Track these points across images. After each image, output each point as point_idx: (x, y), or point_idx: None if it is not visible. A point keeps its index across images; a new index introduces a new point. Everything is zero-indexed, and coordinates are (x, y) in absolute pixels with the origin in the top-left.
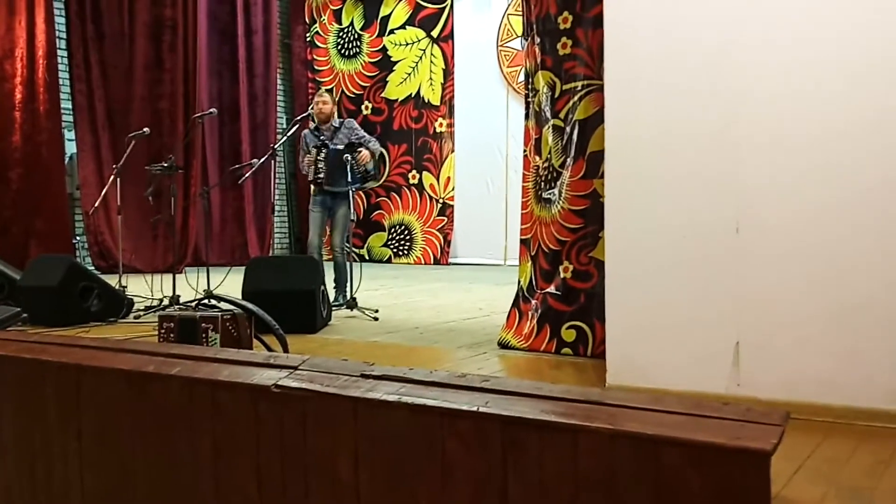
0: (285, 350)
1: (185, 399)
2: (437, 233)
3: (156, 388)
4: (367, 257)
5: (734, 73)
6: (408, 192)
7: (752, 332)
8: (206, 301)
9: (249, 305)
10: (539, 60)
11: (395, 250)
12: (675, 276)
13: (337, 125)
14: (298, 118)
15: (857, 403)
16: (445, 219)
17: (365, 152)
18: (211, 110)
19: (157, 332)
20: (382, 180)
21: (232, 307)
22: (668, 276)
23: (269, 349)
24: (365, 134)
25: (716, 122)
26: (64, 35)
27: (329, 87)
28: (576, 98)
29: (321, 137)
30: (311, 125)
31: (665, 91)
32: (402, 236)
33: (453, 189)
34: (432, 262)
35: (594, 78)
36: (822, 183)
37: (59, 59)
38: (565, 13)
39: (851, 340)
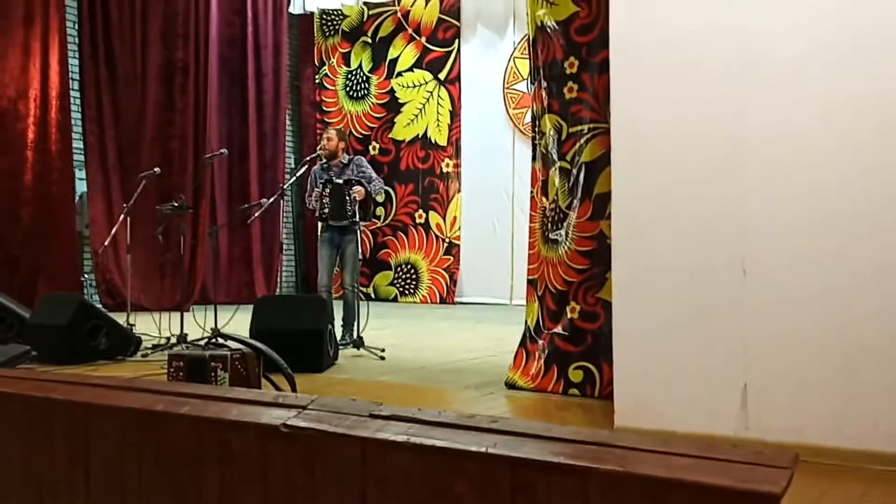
0: (294, 389)
1: (194, 438)
2: (444, 272)
3: (164, 427)
4: (373, 296)
5: (739, 117)
6: (414, 231)
7: (759, 375)
8: (215, 340)
9: (258, 344)
10: (546, 104)
11: (401, 289)
12: (682, 318)
13: (346, 162)
14: (307, 159)
15: (864, 447)
16: (451, 258)
17: (359, 188)
18: (221, 151)
19: (165, 371)
20: (389, 220)
21: (241, 346)
22: (676, 318)
23: (278, 388)
24: (372, 173)
25: (722, 165)
26: (77, 76)
27: (338, 126)
28: (582, 141)
29: (329, 173)
30: (320, 164)
31: (671, 134)
32: (408, 275)
33: (459, 229)
34: (438, 301)
35: (600, 121)
36: (827, 226)
37: (72, 100)
38: (571, 58)
39: (857, 384)
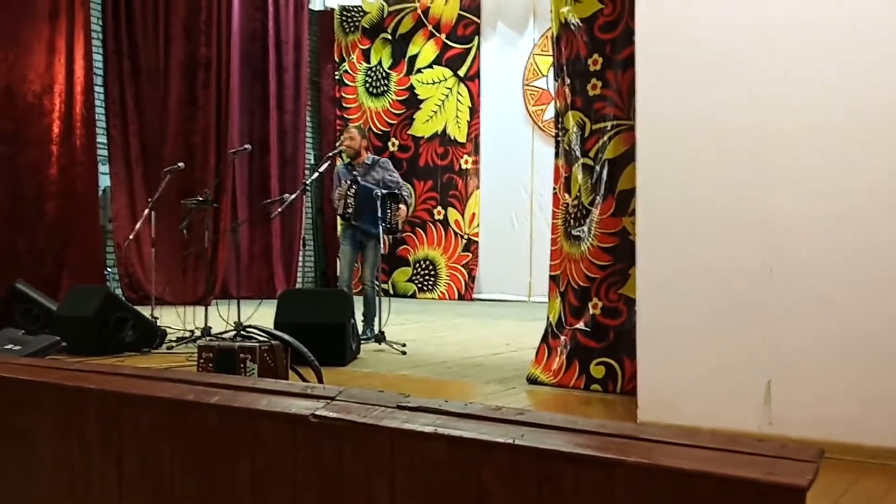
0: (321, 381)
1: (224, 428)
2: (462, 268)
3: (195, 416)
4: (391, 292)
5: (766, 113)
6: (433, 227)
7: (783, 371)
8: (243, 332)
9: (286, 337)
10: (569, 101)
11: (419, 285)
12: (707, 315)
13: (370, 162)
14: (330, 154)
15: (889, 444)
16: (470, 255)
17: (403, 209)
18: (246, 146)
19: (190, 362)
20: (407, 216)
21: (268, 338)
22: (701, 315)
23: (304, 380)
24: (399, 178)
25: (748, 163)
26: (101, 72)
27: (357, 123)
28: (605, 138)
29: (354, 173)
30: (341, 161)
31: (697, 132)
32: (426, 271)
33: (478, 225)
34: (456, 297)
35: (623, 118)
36: (853, 226)
37: (96, 95)
38: (595, 55)
39: (881, 382)
